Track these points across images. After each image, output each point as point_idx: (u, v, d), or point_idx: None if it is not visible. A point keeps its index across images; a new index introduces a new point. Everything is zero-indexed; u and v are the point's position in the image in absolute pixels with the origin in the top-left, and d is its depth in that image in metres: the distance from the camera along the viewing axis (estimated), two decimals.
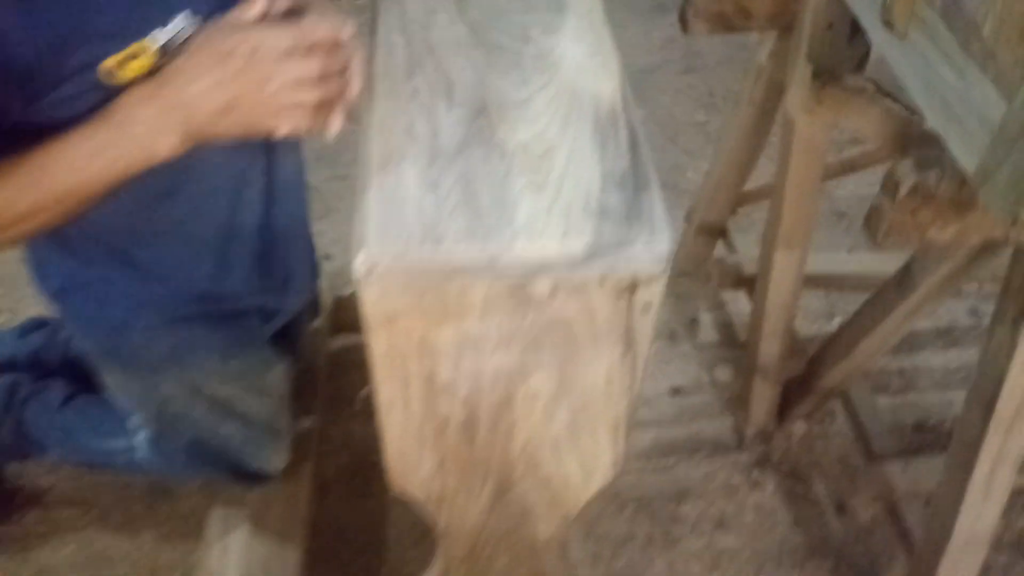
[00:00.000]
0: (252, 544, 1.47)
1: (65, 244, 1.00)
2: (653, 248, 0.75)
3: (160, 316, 1.08)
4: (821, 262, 1.60)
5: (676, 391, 1.80)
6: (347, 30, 0.85)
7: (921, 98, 0.91)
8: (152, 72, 0.81)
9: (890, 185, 0.88)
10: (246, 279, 1.09)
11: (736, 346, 1.84)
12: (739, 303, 1.90)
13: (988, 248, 1.05)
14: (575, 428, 0.96)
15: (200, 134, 0.81)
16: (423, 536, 1.49)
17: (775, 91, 1.39)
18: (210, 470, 1.37)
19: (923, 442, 1.68)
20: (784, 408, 1.65)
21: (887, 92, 1.23)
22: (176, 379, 1.16)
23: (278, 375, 1.25)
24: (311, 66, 0.80)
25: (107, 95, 0.80)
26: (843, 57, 1.17)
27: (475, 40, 0.97)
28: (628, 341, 0.83)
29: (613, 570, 1.57)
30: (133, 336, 1.09)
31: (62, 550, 1.62)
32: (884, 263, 1.55)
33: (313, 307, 1.51)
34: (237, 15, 0.81)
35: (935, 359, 1.81)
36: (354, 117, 0.89)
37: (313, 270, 1.40)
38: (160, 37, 0.82)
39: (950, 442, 1.56)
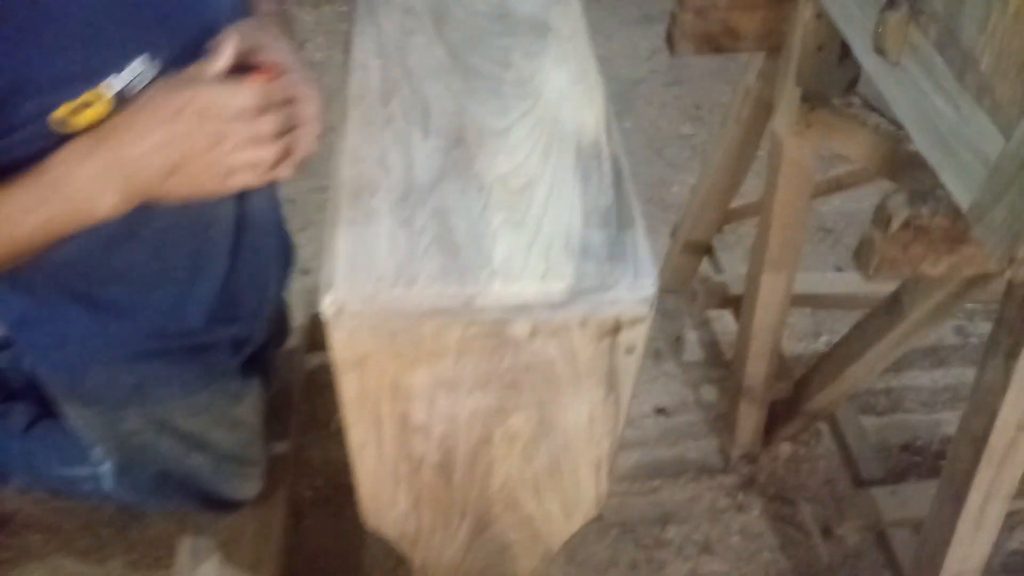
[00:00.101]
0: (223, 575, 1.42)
1: (19, 282, 0.95)
2: (637, 290, 0.71)
3: (121, 353, 1.03)
4: (808, 282, 1.57)
5: (660, 411, 1.77)
6: (303, 84, 0.80)
7: (913, 127, 0.88)
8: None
9: (882, 218, 0.85)
10: (212, 313, 1.05)
11: (721, 365, 1.82)
12: (725, 321, 1.87)
13: (981, 277, 1.02)
14: (556, 468, 0.92)
15: (143, 195, 0.75)
16: (401, 561, 1.46)
17: (762, 110, 1.36)
18: (179, 500, 1.33)
19: (910, 464, 1.65)
20: (770, 429, 1.63)
21: (874, 107, 1.21)
22: (140, 414, 1.11)
23: (248, 406, 1.20)
24: (265, 126, 0.75)
25: (61, 141, 0.75)
26: (832, 80, 1.15)
27: (453, 64, 0.93)
28: (611, 383, 0.80)
29: None
30: (93, 372, 1.04)
31: None
32: (872, 283, 1.52)
33: (282, 330, 1.46)
34: (195, 71, 0.76)
35: (922, 379, 1.78)
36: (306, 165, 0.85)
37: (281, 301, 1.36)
38: (115, 84, 0.77)
39: (938, 465, 1.54)
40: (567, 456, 0.90)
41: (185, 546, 1.48)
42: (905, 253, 0.86)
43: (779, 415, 1.60)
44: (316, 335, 1.78)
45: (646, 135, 2.40)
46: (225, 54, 0.76)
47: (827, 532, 1.50)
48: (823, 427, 1.69)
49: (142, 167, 0.72)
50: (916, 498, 1.35)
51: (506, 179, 0.80)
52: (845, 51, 1.13)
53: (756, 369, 1.49)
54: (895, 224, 0.83)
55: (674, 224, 1.86)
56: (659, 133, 2.42)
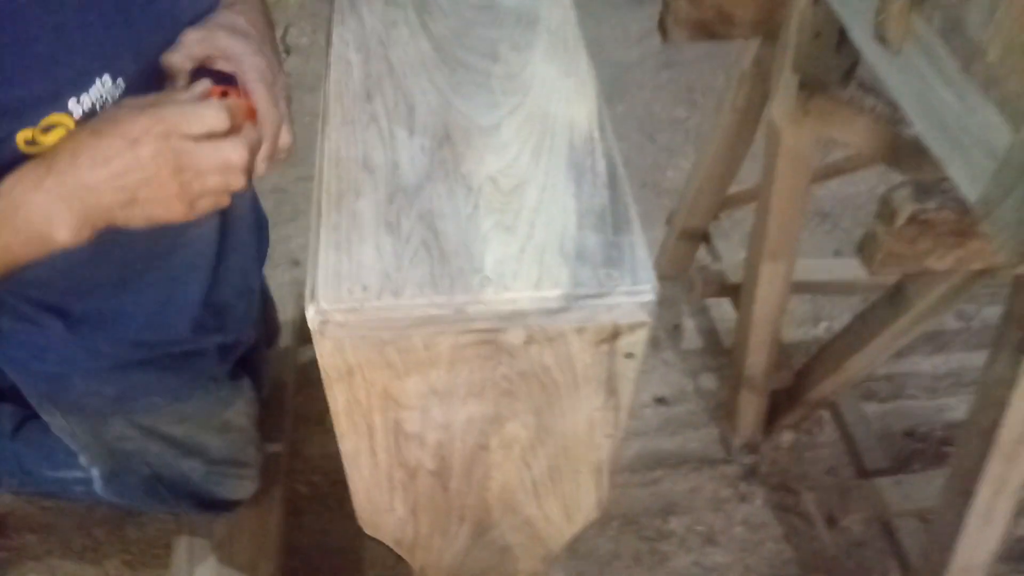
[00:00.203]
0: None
1: None
2: (636, 295, 0.68)
3: (102, 363, 1.00)
4: (807, 269, 1.54)
5: (660, 400, 1.75)
6: (262, 99, 0.76)
7: (917, 118, 0.85)
8: None
9: (886, 212, 0.82)
10: (197, 321, 1.01)
11: (721, 353, 1.79)
12: (723, 308, 1.85)
13: (988, 269, 1.00)
14: (556, 472, 0.90)
15: (105, 222, 0.71)
16: (401, 559, 1.44)
17: (758, 97, 1.33)
18: (172, 502, 1.31)
19: (914, 450, 1.63)
20: (771, 418, 1.61)
21: (870, 88, 1.18)
22: (125, 422, 1.09)
23: (239, 410, 1.18)
24: (231, 152, 0.70)
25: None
26: (830, 67, 1.11)
27: (439, 58, 0.90)
28: (611, 388, 0.77)
29: None
30: (74, 382, 1.01)
31: None
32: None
33: (271, 329, 1.43)
34: (156, 95, 0.72)
35: (923, 364, 1.76)
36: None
37: (265, 298, 1.33)
38: (78, 108, 0.73)
39: (941, 452, 1.52)
40: (567, 460, 0.88)
41: (181, 546, 1.46)
42: (910, 247, 0.83)
43: (780, 404, 1.58)
44: (308, 329, 1.75)
45: (639, 120, 2.37)
46: (185, 78, 0.72)
47: (831, 521, 1.48)
48: (825, 415, 1.67)
49: (101, 195, 0.68)
50: (921, 488, 1.33)
51: (496, 179, 0.77)
52: (843, 36, 1.10)
53: (756, 359, 1.47)
54: (900, 218, 0.80)
55: (670, 211, 1.83)
56: (652, 117, 2.38)
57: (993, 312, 1.84)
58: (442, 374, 0.75)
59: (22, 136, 0.71)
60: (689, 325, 1.87)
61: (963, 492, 1.06)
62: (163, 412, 1.09)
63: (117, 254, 0.80)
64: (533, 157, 0.78)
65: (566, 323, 0.70)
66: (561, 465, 0.89)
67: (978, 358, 1.80)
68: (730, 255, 1.77)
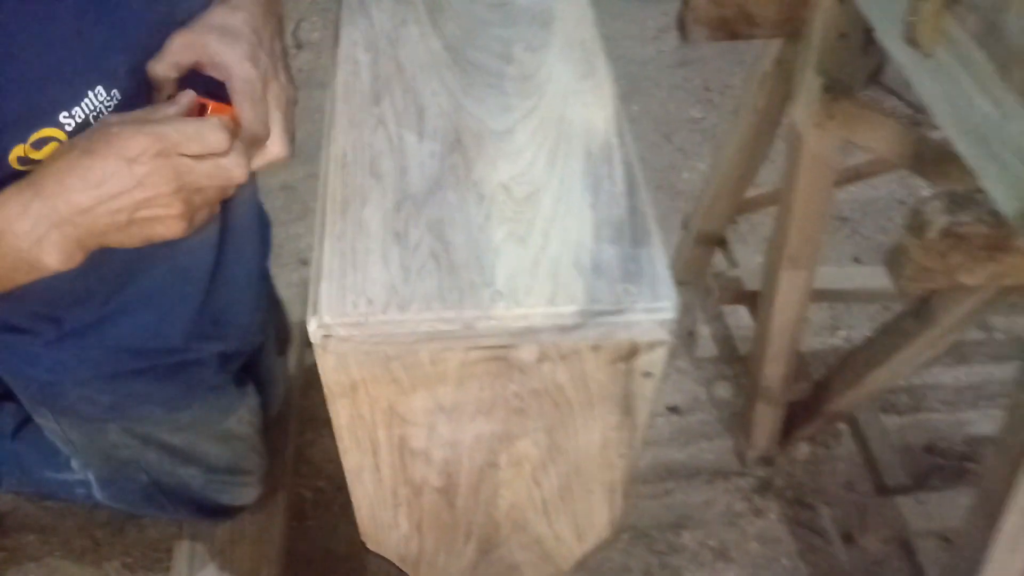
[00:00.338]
0: None
1: None
2: (655, 312, 0.65)
3: (93, 371, 0.97)
4: (827, 276, 1.50)
5: (673, 409, 1.71)
6: (255, 126, 0.72)
7: (949, 125, 0.81)
8: None
9: (916, 224, 0.78)
10: (194, 330, 0.98)
11: (736, 361, 1.75)
12: (738, 315, 1.80)
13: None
14: (567, 491, 0.86)
15: (98, 245, 0.68)
16: None
17: (779, 99, 1.29)
18: (172, 508, 1.28)
19: (934, 466, 1.59)
20: (787, 430, 1.57)
21: (890, 89, 1.14)
22: (121, 429, 1.06)
23: (240, 419, 1.15)
24: (234, 168, 0.67)
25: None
26: (855, 69, 1.07)
27: (450, 58, 0.86)
28: (626, 407, 0.74)
29: None
30: (68, 389, 0.98)
31: None
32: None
33: (282, 336, 1.40)
34: (146, 112, 0.69)
35: (944, 376, 1.72)
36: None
37: (275, 303, 1.29)
38: (71, 121, 0.69)
39: (962, 468, 1.48)
40: (579, 479, 0.85)
41: (182, 551, 1.44)
42: (942, 262, 0.79)
43: (797, 415, 1.54)
44: None
45: (654, 119, 2.33)
46: (175, 96, 0.69)
47: (848, 539, 1.44)
48: (843, 427, 1.63)
49: (96, 217, 0.65)
50: (943, 508, 1.29)
51: (509, 187, 0.73)
52: (868, 37, 1.06)
53: (773, 370, 1.43)
54: (933, 232, 0.76)
55: (685, 214, 1.79)
56: (668, 117, 2.34)
57: (1017, 323, 1.79)
58: (450, 391, 0.71)
59: (14, 154, 0.67)
60: (704, 332, 1.82)
61: (989, 516, 1.02)
62: (160, 421, 1.06)
63: (106, 263, 0.76)
64: (548, 164, 0.75)
65: (581, 340, 0.66)
66: (573, 484, 0.85)
67: (1001, 371, 1.77)
68: (747, 261, 1.73)
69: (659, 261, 0.67)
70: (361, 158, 0.76)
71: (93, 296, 0.89)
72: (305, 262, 2.04)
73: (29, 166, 0.68)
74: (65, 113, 0.68)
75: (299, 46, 2.53)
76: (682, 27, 1.16)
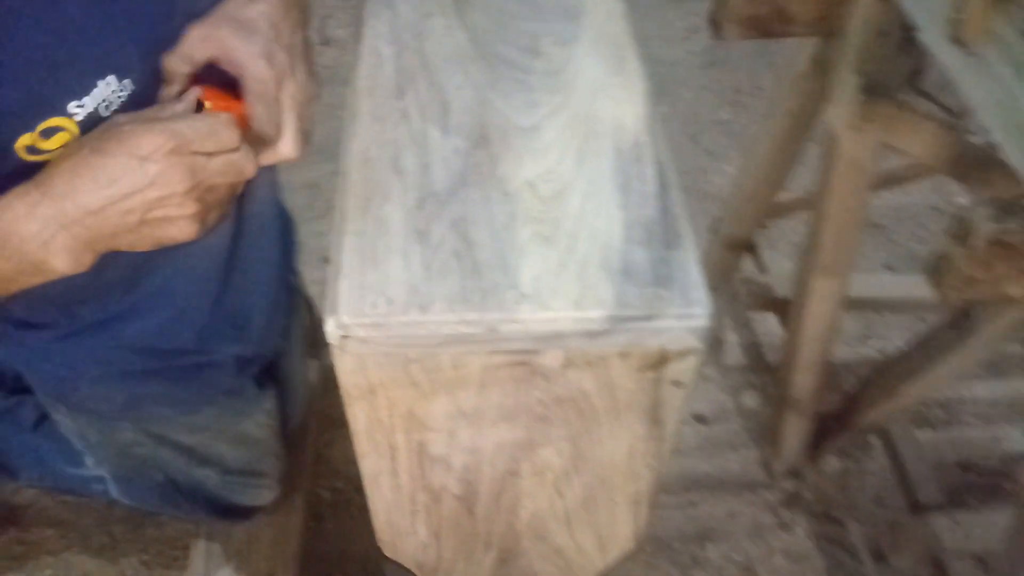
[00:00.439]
0: None
1: None
2: (687, 319, 0.62)
3: (104, 370, 0.95)
4: (859, 285, 1.45)
5: (699, 418, 1.68)
6: (265, 129, 0.70)
7: (997, 129, 0.77)
8: None
9: (962, 232, 0.74)
10: (203, 331, 0.96)
11: (764, 370, 1.71)
12: (767, 322, 1.76)
13: None
14: (591, 502, 0.83)
15: (105, 249, 0.66)
16: None
17: (813, 100, 1.25)
18: (188, 508, 1.27)
19: (968, 483, 1.54)
20: (817, 442, 1.53)
21: (927, 94, 1.11)
22: (135, 428, 1.04)
23: (258, 422, 1.12)
24: (246, 164, 0.66)
25: (34, 169, 0.66)
26: (895, 69, 1.04)
27: (476, 51, 0.83)
28: (655, 418, 0.71)
29: None
30: (82, 386, 0.97)
31: (37, 574, 1.53)
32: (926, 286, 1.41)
33: (313, 339, 1.37)
34: (156, 110, 0.67)
35: (980, 390, 1.67)
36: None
37: (305, 305, 1.27)
38: (80, 111, 0.67)
39: (997, 485, 1.43)
40: (603, 490, 0.82)
41: (198, 551, 1.43)
42: (987, 272, 0.75)
43: (827, 427, 1.49)
44: None
45: (683, 121, 2.29)
46: (184, 91, 0.67)
47: (879, 556, 1.40)
48: (874, 441, 1.59)
49: (106, 218, 0.63)
50: (978, 528, 1.24)
51: (535, 185, 0.70)
52: (908, 36, 1.02)
53: (804, 381, 1.39)
54: (979, 240, 0.72)
55: (713, 218, 1.76)
56: (696, 118, 2.30)
57: None
58: (471, 396, 0.69)
59: (21, 143, 0.65)
60: (731, 339, 1.79)
61: None
62: (175, 422, 1.04)
63: (115, 262, 0.75)
64: (576, 162, 0.72)
65: (609, 347, 0.63)
66: (597, 495, 0.82)
67: None
68: (777, 267, 1.69)
69: (692, 265, 0.64)
70: (383, 153, 0.73)
71: (103, 293, 0.87)
72: (328, 260, 2.03)
73: (38, 156, 0.66)
74: (75, 102, 0.66)
75: (325, 42, 2.51)
76: (714, 25, 1.12)
